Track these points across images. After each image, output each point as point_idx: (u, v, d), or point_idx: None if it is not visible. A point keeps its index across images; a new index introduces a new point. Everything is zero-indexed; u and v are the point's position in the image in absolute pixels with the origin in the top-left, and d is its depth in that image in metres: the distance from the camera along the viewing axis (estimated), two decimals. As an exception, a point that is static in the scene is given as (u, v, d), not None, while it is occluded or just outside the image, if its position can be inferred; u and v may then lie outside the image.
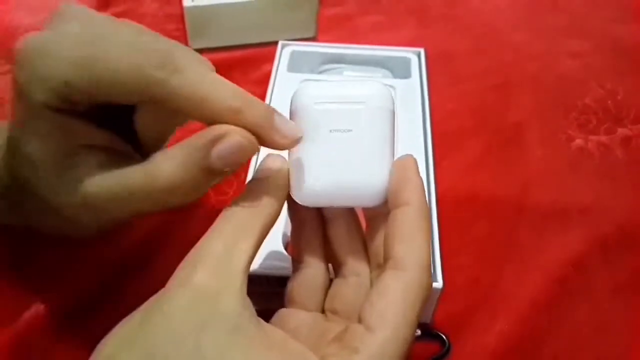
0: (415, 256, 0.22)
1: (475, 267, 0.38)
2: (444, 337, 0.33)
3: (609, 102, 0.50)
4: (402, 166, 0.25)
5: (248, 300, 0.21)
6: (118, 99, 0.23)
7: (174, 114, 0.26)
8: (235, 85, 0.23)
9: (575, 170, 0.44)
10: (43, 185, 0.25)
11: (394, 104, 0.25)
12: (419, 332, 0.32)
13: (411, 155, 0.25)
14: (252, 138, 0.23)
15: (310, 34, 0.55)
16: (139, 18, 0.57)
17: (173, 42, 0.24)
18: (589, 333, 0.35)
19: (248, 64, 0.52)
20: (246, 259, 0.22)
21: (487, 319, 0.35)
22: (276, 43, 0.47)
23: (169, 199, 0.23)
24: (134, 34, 0.24)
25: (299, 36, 0.53)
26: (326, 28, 0.56)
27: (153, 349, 0.19)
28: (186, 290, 0.20)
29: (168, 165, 0.22)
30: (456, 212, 0.40)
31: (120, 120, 0.26)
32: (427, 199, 0.24)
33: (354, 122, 0.25)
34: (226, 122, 0.22)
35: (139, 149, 0.27)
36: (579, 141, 0.47)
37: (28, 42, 0.23)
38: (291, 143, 0.24)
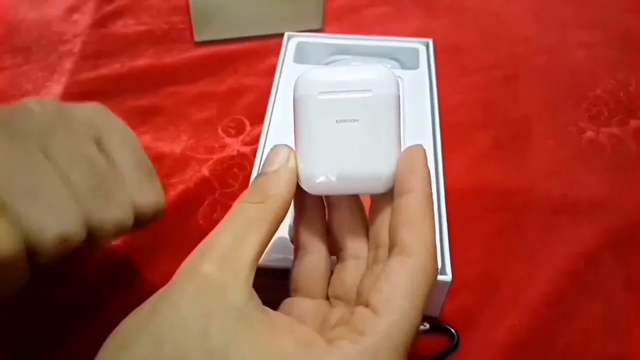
0: (420, 242, 0.23)
1: (485, 261, 0.37)
2: (453, 331, 0.33)
3: (621, 93, 0.49)
4: (410, 155, 0.25)
5: (254, 291, 0.22)
6: None
7: None
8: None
9: (586, 163, 0.44)
10: None
11: (398, 87, 0.25)
12: (427, 325, 0.32)
13: (421, 145, 0.25)
14: None
15: (317, 25, 0.54)
16: (145, 10, 0.57)
17: None
18: (600, 328, 0.34)
19: (254, 56, 0.52)
20: (254, 251, 0.22)
21: (496, 313, 0.34)
22: (282, 35, 0.47)
23: None
24: None
25: (305, 27, 0.53)
26: (333, 19, 0.56)
27: (161, 335, 0.20)
28: (193, 281, 0.21)
29: None
30: (465, 205, 0.39)
31: None
32: (435, 190, 0.24)
33: (360, 111, 0.25)
34: None
35: None
36: (590, 133, 0.46)
37: None
38: None
